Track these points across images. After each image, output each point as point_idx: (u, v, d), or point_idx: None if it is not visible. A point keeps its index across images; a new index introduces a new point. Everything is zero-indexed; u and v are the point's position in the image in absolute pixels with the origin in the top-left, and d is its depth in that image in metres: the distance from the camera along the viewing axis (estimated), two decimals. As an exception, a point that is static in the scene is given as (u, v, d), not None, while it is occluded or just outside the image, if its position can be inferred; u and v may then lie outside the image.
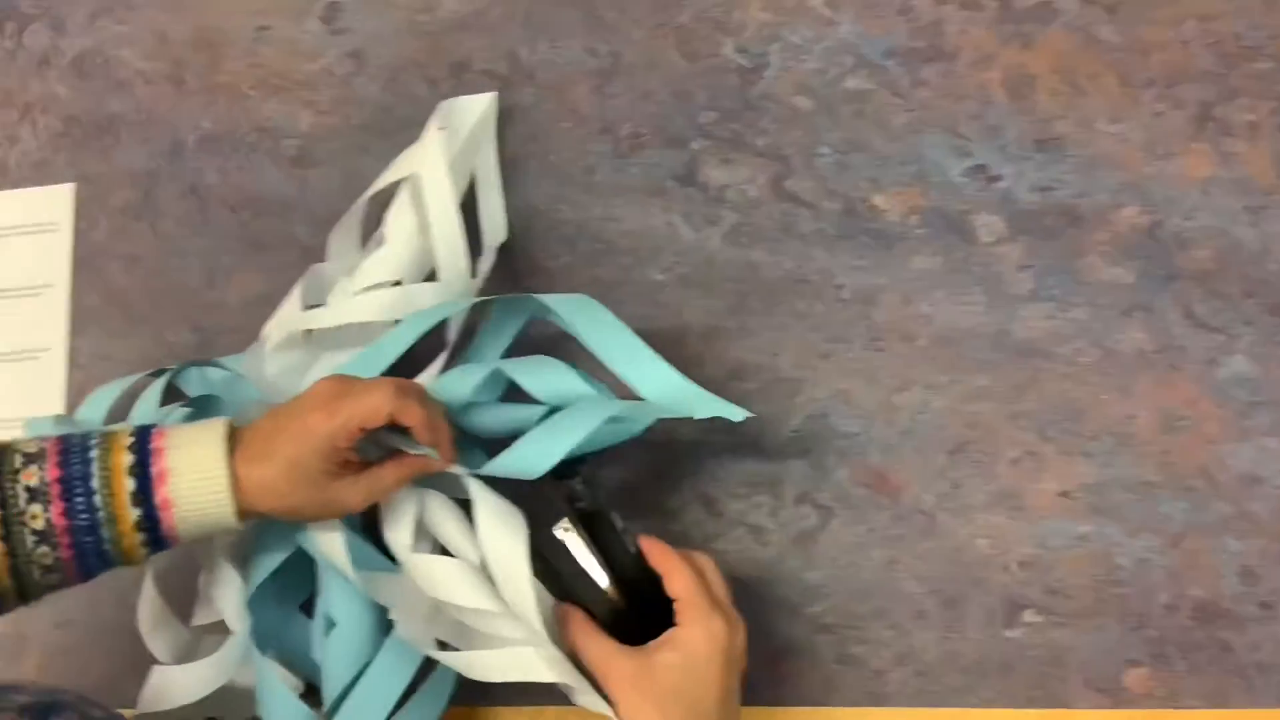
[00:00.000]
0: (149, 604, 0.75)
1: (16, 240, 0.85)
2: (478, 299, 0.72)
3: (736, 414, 0.66)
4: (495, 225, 0.78)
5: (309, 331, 0.74)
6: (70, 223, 0.85)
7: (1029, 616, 0.71)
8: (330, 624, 0.69)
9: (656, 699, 0.58)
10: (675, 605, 0.61)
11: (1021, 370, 0.73)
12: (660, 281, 0.78)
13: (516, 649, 0.63)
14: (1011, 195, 0.75)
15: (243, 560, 0.72)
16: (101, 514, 0.58)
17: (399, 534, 0.67)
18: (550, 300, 0.70)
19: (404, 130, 0.83)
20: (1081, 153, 0.75)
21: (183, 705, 0.70)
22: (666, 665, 0.59)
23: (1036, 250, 0.74)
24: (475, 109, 0.79)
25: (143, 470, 0.59)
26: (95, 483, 0.58)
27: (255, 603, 0.69)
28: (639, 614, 0.62)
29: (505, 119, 0.81)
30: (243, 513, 0.61)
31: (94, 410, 0.75)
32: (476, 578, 0.64)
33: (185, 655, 0.74)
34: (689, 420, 0.68)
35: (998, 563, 0.72)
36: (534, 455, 0.66)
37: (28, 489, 0.58)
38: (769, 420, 0.75)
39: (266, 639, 0.69)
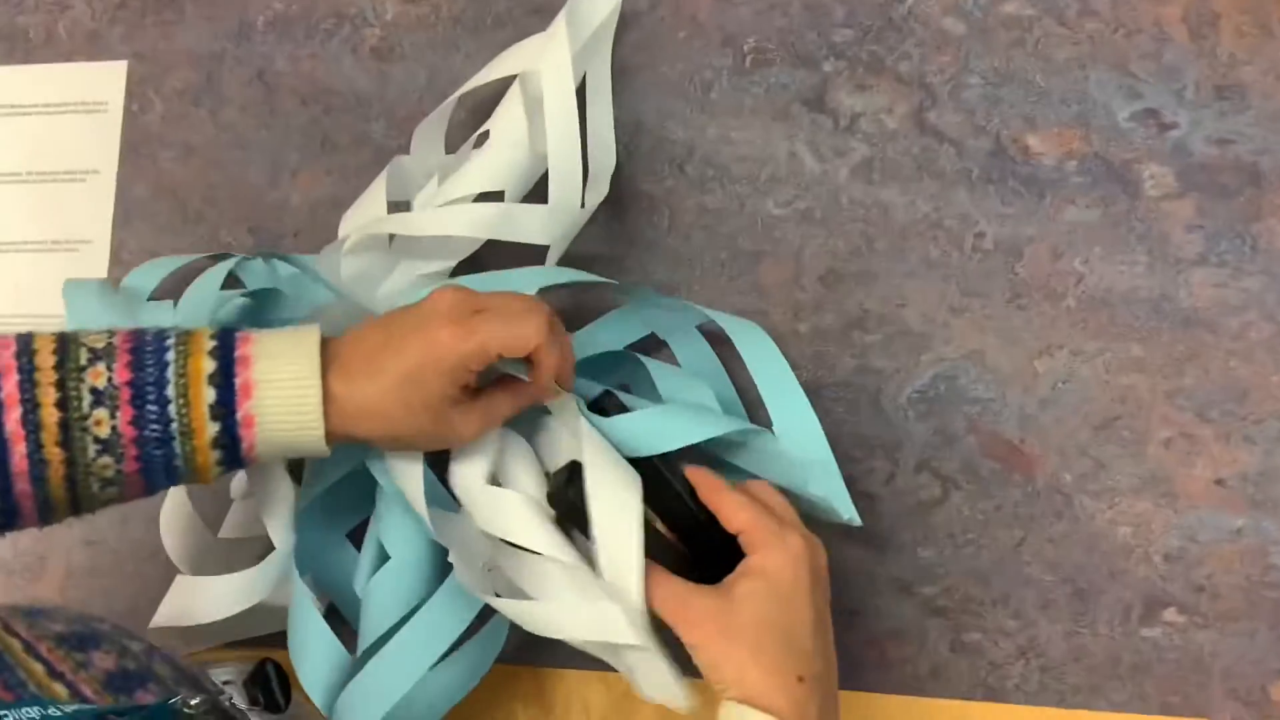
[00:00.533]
0: (175, 504, 0.69)
1: (62, 120, 0.78)
2: (638, 286, 0.66)
3: (846, 512, 0.62)
4: (603, 145, 0.71)
5: (392, 235, 0.66)
6: (121, 104, 0.78)
7: (1170, 615, 0.64)
8: (382, 556, 0.63)
9: (744, 637, 0.51)
10: (741, 539, 0.54)
11: (1183, 342, 0.66)
12: (778, 216, 0.71)
13: (598, 604, 0.56)
14: (1185, 146, 0.68)
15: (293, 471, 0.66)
16: (175, 425, 0.51)
17: (471, 469, 0.60)
18: (721, 319, 0.64)
19: (500, 27, 0.75)
20: (1267, 104, 0.68)
21: (208, 623, 0.64)
22: (749, 594, 0.52)
23: (1209, 209, 0.67)
24: (600, 9, 0.71)
25: (226, 380, 0.51)
26: (171, 390, 0.51)
27: (302, 520, 0.63)
28: (709, 562, 0.56)
29: (615, 22, 0.74)
30: (333, 437, 0.53)
31: (144, 280, 0.68)
32: (546, 520, 0.58)
33: (207, 567, 0.68)
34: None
35: (1139, 553, 0.65)
36: (655, 433, 0.59)
37: (94, 391, 0.51)
38: (891, 378, 0.68)
39: (305, 562, 0.63)
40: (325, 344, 0.53)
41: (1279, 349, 0.66)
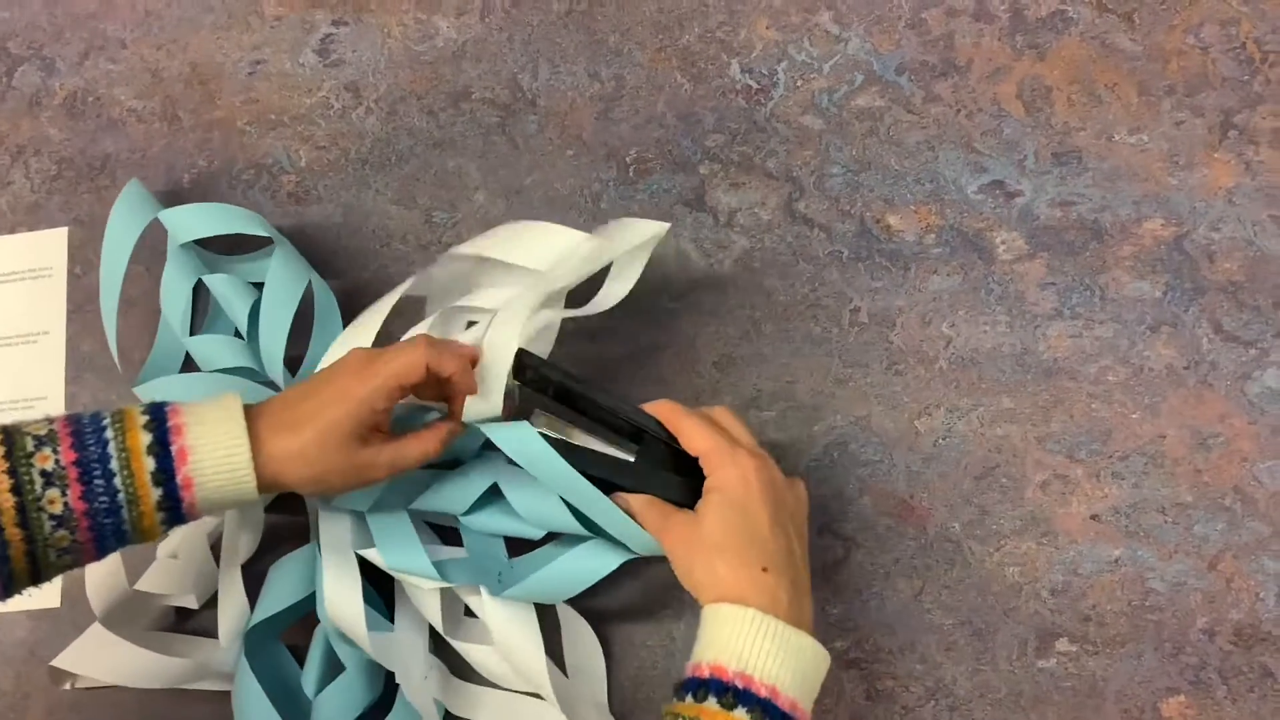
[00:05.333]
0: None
1: (10, 287, 0.88)
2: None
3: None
4: (594, 304, 0.77)
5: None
6: (64, 268, 0.89)
7: (1062, 646, 0.73)
8: (328, 659, 0.75)
9: (709, 542, 0.63)
10: (701, 462, 0.66)
11: (1047, 391, 0.76)
12: (672, 309, 0.81)
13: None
14: (1030, 211, 0.78)
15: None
16: (122, 495, 0.61)
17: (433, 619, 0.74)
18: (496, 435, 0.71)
19: (404, 162, 0.86)
20: (1101, 165, 0.78)
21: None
22: (709, 507, 0.64)
23: (1058, 267, 0.77)
24: (644, 232, 0.75)
25: (163, 449, 0.62)
26: (114, 464, 0.61)
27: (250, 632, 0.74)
28: (686, 470, 0.67)
29: (509, 148, 0.85)
30: (264, 485, 0.64)
31: (182, 221, 0.81)
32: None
33: (115, 614, 0.78)
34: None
35: (1028, 591, 0.74)
36: (556, 585, 0.71)
37: (43, 473, 0.60)
38: (788, 450, 0.78)
39: (255, 662, 0.74)
40: (247, 407, 0.64)
41: (1135, 389, 0.75)
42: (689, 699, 0.58)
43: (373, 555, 0.73)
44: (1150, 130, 0.78)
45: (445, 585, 0.72)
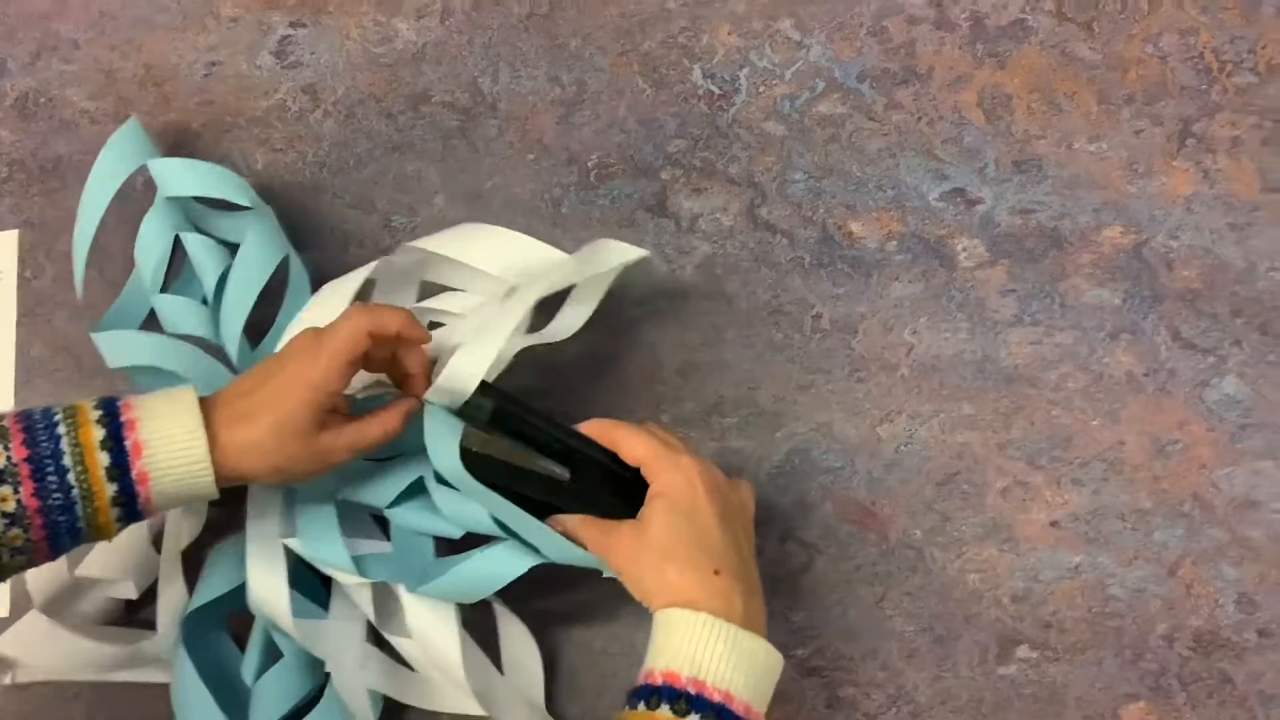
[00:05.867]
0: None
1: (-41, 291, 0.87)
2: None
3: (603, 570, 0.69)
4: (551, 332, 0.76)
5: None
6: (14, 271, 0.87)
7: (1023, 652, 0.73)
8: (268, 647, 0.74)
9: (656, 549, 0.62)
10: (643, 471, 0.65)
11: (1007, 397, 0.76)
12: (634, 316, 0.81)
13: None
14: (991, 218, 0.78)
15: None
16: (76, 492, 0.60)
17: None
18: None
19: (362, 166, 0.85)
20: (1061, 173, 0.78)
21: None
22: (654, 513, 0.63)
23: (1019, 274, 0.77)
24: (622, 255, 0.74)
25: (116, 444, 0.60)
26: (67, 460, 0.60)
27: (189, 618, 0.73)
28: (626, 489, 0.66)
29: (469, 152, 0.84)
30: (222, 478, 0.63)
31: (174, 175, 0.79)
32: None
33: (54, 602, 0.77)
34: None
35: (989, 597, 0.74)
36: (470, 584, 0.70)
37: None
38: (750, 456, 0.78)
39: (193, 648, 0.73)
40: (202, 399, 0.63)
41: (1095, 396, 0.76)
42: (641, 706, 0.58)
43: (295, 544, 0.72)
44: (1109, 138, 0.78)
45: (361, 580, 0.71)
